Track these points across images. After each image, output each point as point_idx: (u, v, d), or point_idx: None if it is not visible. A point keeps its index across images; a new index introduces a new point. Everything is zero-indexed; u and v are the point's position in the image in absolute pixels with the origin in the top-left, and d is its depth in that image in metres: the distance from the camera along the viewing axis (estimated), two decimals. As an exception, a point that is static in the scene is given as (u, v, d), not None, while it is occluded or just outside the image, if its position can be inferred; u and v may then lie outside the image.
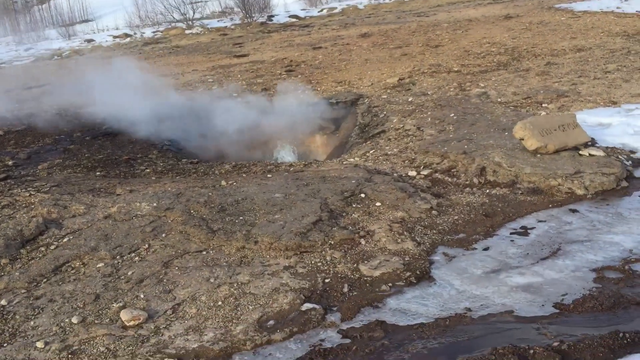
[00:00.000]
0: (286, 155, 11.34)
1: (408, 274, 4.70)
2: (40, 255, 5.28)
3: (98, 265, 5.06)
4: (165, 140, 10.52)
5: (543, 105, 9.45)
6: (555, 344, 3.66)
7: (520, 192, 6.25)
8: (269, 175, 7.29)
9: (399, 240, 5.26)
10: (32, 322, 4.29)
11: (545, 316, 4.06)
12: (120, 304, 4.44)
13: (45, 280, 4.89)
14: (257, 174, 7.70)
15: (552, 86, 10.60)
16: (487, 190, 6.40)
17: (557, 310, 4.11)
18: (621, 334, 3.69)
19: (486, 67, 12.95)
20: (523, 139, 6.82)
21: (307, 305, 4.29)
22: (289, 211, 5.82)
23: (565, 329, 3.87)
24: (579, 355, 3.56)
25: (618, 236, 5.14)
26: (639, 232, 5.18)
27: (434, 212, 5.86)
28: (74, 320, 4.24)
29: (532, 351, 3.59)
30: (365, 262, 4.93)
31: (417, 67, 13.74)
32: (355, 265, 4.90)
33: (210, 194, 6.39)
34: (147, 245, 5.36)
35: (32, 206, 6.21)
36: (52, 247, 5.42)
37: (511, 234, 5.36)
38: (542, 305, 4.19)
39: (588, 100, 9.41)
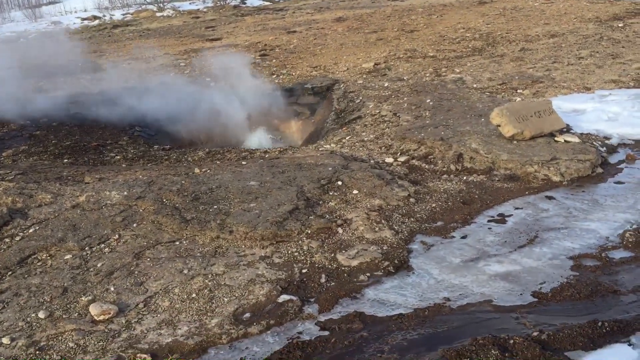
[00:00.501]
0: (261, 141, 11.18)
1: (386, 263, 4.63)
2: (4, 247, 5.07)
3: (66, 257, 4.88)
4: (137, 126, 10.27)
5: (518, 91, 9.45)
6: (535, 333, 3.63)
7: (497, 178, 6.22)
8: (243, 163, 7.14)
9: (377, 229, 5.19)
10: (-4, 318, 4.11)
11: (524, 305, 4.03)
12: (90, 298, 4.28)
13: (10, 273, 4.69)
14: (231, 161, 7.54)
15: (526, 72, 10.61)
16: (464, 177, 6.36)
17: (536, 299, 4.09)
18: (600, 323, 3.67)
19: (461, 52, 12.92)
20: (500, 126, 6.79)
21: (284, 297, 4.19)
22: (264, 199, 5.70)
23: (545, 318, 3.85)
24: (559, 345, 3.53)
25: (594, 223, 5.14)
26: (614, 219, 5.19)
27: (411, 199, 5.79)
28: (41, 315, 4.07)
29: (512, 341, 3.55)
30: (343, 251, 4.85)
31: (393, 52, 13.65)
32: (332, 254, 4.81)
33: (183, 182, 6.22)
34: (117, 236, 5.19)
35: (-3, 195, 5.97)
36: (17, 238, 5.21)
37: (489, 221, 5.33)
38: (521, 294, 4.16)
39: (562, 87, 9.44)
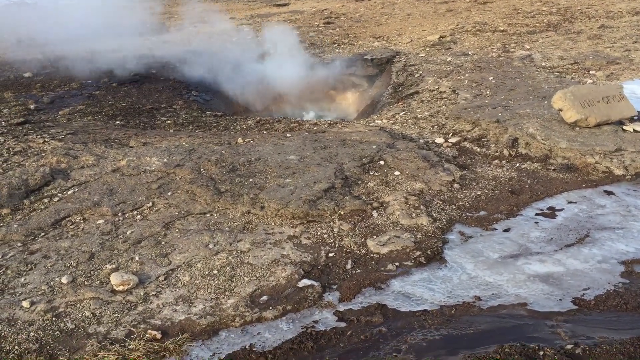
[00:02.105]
0: (314, 112, 10.98)
1: (418, 253, 4.38)
2: (42, 207, 5.15)
3: (98, 222, 4.89)
4: (194, 90, 10.29)
5: (590, 72, 8.78)
6: (569, 346, 3.31)
7: (552, 168, 5.78)
8: (288, 135, 6.97)
9: (414, 214, 4.92)
10: (22, 279, 4.16)
11: (562, 312, 3.69)
12: (114, 266, 4.26)
13: (43, 234, 4.75)
14: (278, 132, 7.39)
15: (603, 51, 9.84)
16: (517, 164, 5.94)
17: (576, 307, 3.74)
18: (645, 340, 3.31)
19: (535, 27, 12.16)
20: (562, 110, 6.28)
21: (305, 282, 4.02)
22: (301, 176, 5.52)
23: (583, 329, 3.51)
24: (593, 362, 3.21)
25: (655, 225, 4.68)
26: (679, 222, 4.71)
27: (455, 185, 5.46)
28: (64, 280, 4.08)
29: (541, 352, 3.25)
30: (374, 237, 4.62)
31: (461, 24, 13.02)
32: (363, 239, 4.59)
33: (223, 152, 6.13)
34: (151, 204, 5.16)
35: (44, 154, 6.07)
36: (56, 199, 5.27)
37: (536, 214, 4.94)
38: (560, 299, 3.82)
39: (641, 69, 8.70)
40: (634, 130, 6.13)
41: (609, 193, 5.24)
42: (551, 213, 4.95)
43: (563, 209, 5.01)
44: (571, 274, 4.10)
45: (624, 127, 6.22)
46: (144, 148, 6.31)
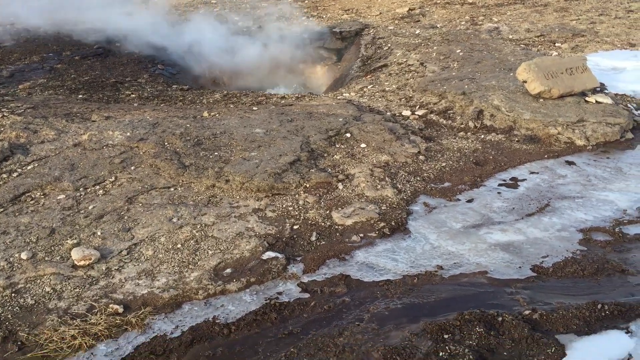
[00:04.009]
0: (282, 86, 10.88)
1: (382, 224, 4.40)
2: (0, 183, 5.02)
3: (59, 197, 4.80)
4: (159, 64, 10.09)
5: (556, 44, 8.85)
6: (527, 312, 3.39)
7: (516, 139, 5.85)
8: (255, 108, 6.90)
9: (379, 186, 4.93)
10: (-20, 256, 4.07)
11: (521, 279, 3.77)
12: (75, 241, 4.19)
13: (1, 210, 4.63)
14: (244, 106, 7.31)
15: (569, 24, 9.92)
16: (482, 136, 6.00)
17: (535, 274, 3.82)
18: (600, 305, 3.40)
19: (503, 0, 12.18)
20: (526, 82, 6.34)
21: (269, 254, 4.02)
22: (267, 149, 5.48)
23: (541, 296, 3.59)
24: (551, 327, 3.29)
25: (613, 194, 4.78)
26: (636, 190, 4.82)
27: (421, 157, 5.49)
28: (24, 256, 4.01)
29: (500, 319, 3.32)
30: (339, 209, 4.63)
31: (430, -4, 12.97)
32: (328, 211, 4.60)
33: (188, 125, 6.04)
34: (113, 178, 5.07)
35: (2, 129, 5.90)
36: (15, 174, 5.15)
37: (499, 185, 5.01)
38: (520, 267, 3.90)
39: (605, 42, 8.80)
40: (596, 101, 6.22)
41: (570, 163, 5.33)
42: (514, 183, 5.02)
43: (525, 179, 5.08)
44: (531, 242, 4.18)
45: (587, 99, 6.30)
46: (106, 122, 6.18)
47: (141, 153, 5.48)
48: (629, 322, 3.29)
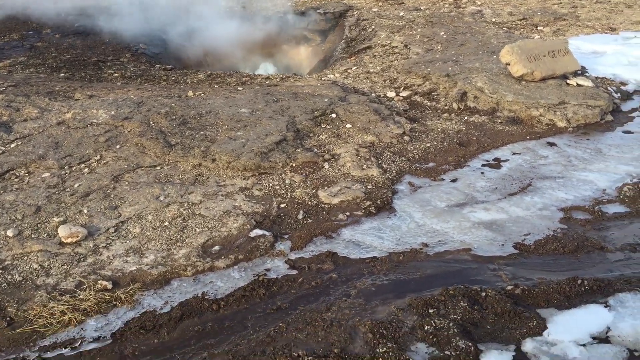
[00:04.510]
0: (267, 66, 10.85)
1: (368, 203, 4.46)
2: (-16, 161, 4.98)
3: (44, 175, 4.77)
4: (142, 43, 9.98)
5: (538, 28, 8.94)
6: (509, 287, 3.48)
7: (499, 121, 5.93)
8: (239, 88, 6.89)
9: (365, 166, 4.99)
10: (-35, 233, 4.05)
11: (504, 256, 3.86)
12: (61, 219, 4.19)
13: (-15, 188, 4.61)
14: (229, 85, 7.29)
15: (551, 8, 10.01)
16: (466, 117, 6.07)
17: (517, 251, 3.91)
18: (579, 281, 3.50)
19: (485, -17, 12.21)
20: (509, 64, 6.41)
21: (256, 232, 4.06)
22: (253, 128, 5.49)
23: (523, 272, 3.69)
24: (532, 301, 3.38)
25: (593, 174, 4.89)
26: (615, 170, 4.93)
27: (406, 137, 5.55)
28: (10, 233, 4.00)
29: (484, 294, 3.40)
30: (326, 188, 4.68)
31: (413, -22, 12.95)
32: (314, 190, 4.64)
33: (173, 104, 6.02)
34: (98, 157, 5.05)
35: (-17, 107, 5.83)
36: (-2, 153, 5.10)
37: (483, 165, 5.10)
38: (502, 244, 3.99)
39: (586, 25, 8.90)
40: (577, 84, 6.32)
41: (552, 144, 5.42)
42: (496, 164, 5.11)
43: (508, 159, 5.17)
44: (513, 220, 4.27)
45: (568, 81, 6.40)
46: (90, 101, 6.13)
47: (126, 132, 5.46)
48: (607, 296, 3.39)
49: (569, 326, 3.14)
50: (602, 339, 3.05)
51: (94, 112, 5.78)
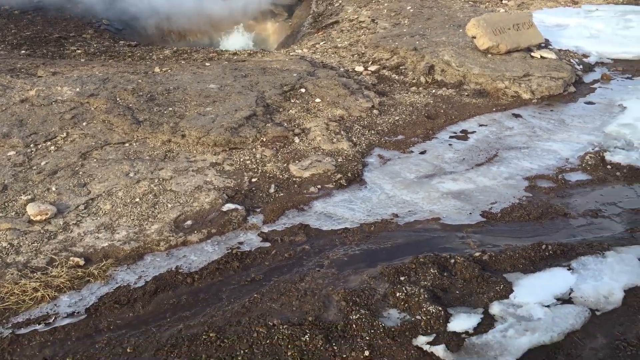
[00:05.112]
0: (233, 42, 10.74)
1: (339, 176, 4.51)
2: (-55, 141, 4.85)
3: (9, 154, 4.68)
4: (104, 19, 9.77)
5: (504, 1, 9.04)
6: (477, 254, 3.58)
7: (466, 93, 6.02)
8: (207, 64, 6.83)
9: (335, 140, 5.02)
10: None
11: (472, 224, 3.96)
12: (29, 197, 4.13)
13: (-52, 168, 4.50)
14: (196, 62, 7.22)
15: (515, -18, 10.10)
16: (433, 91, 6.14)
17: (484, 219, 4.02)
18: (544, 246, 3.62)
19: (451, -43, 12.24)
20: (475, 37, 6.49)
21: (228, 206, 4.08)
22: (222, 104, 5.47)
23: (490, 239, 3.80)
24: (499, 267, 3.49)
25: (557, 144, 5.03)
26: (578, 140, 5.08)
27: (375, 111, 5.60)
28: (-24, 213, 3.93)
29: (452, 260, 3.50)
30: (297, 161, 4.71)
31: (380, -48, 12.91)
32: (285, 164, 4.67)
33: (140, 81, 5.94)
34: (65, 134, 4.98)
35: (-58, 86, 5.66)
36: (-40, 132, 4.98)
37: (450, 137, 5.18)
38: (470, 213, 4.09)
39: (550, -1, 9.04)
40: (541, 56, 6.44)
41: (517, 116, 5.54)
42: (464, 135, 5.20)
43: (475, 131, 5.27)
44: (481, 190, 4.37)
45: (532, 54, 6.52)
46: (54, 78, 6.01)
47: (92, 109, 5.37)
48: (570, 260, 3.52)
49: (534, 289, 3.26)
50: (565, 300, 3.18)
51: (58, 89, 5.67)
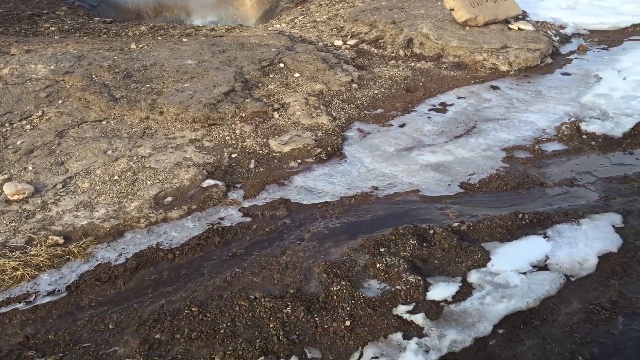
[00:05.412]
0: (210, 18, 10.59)
1: (319, 150, 4.52)
2: None
3: (-16, 134, 4.62)
4: (78, -5, 9.57)
5: (481, -26, 9.00)
6: (456, 224, 3.64)
7: (444, 66, 6.03)
8: (184, 40, 6.75)
9: (314, 114, 5.02)
10: None
11: (450, 196, 4.01)
12: (6, 176, 4.09)
13: None
14: (173, 37, 7.12)
15: (493, -46, 10.07)
16: (412, 64, 6.14)
17: (463, 190, 4.07)
18: (520, 215, 3.68)
19: None
20: (453, 10, 6.49)
21: (209, 182, 4.07)
22: (200, 80, 5.42)
23: (468, 209, 3.85)
24: (477, 236, 3.55)
25: (534, 115, 5.07)
26: (554, 111, 5.13)
27: (354, 85, 5.59)
28: (-48, 193, 3.88)
29: (432, 231, 3.54)
30: (276, 137, 4.70)
31: None
32: (265, 140, 4.66)
33: (116, 57, 5.85)
34: (40, 113, 4.91)
35: None
36: None
37: (429, 110, 5.21)
38: (449, 184, 4.13)
39: (527, -29, 9.02)
40: (518, 28, 6.46)
41: (495, 88, 5.57)
42: (442, 108, 5.23)
43: (453, 104, 5.30)
44: (459, 162, 4.42)
45: (510, 26, 6.53)
46: (27, 55, 5.89)
47: (68, 86, 5.30)
48: (546, 228, 3.59)
49: (511, 257, 3.32)
50: (541, 267, 3.25)
51: (32, 67, 5.57)
